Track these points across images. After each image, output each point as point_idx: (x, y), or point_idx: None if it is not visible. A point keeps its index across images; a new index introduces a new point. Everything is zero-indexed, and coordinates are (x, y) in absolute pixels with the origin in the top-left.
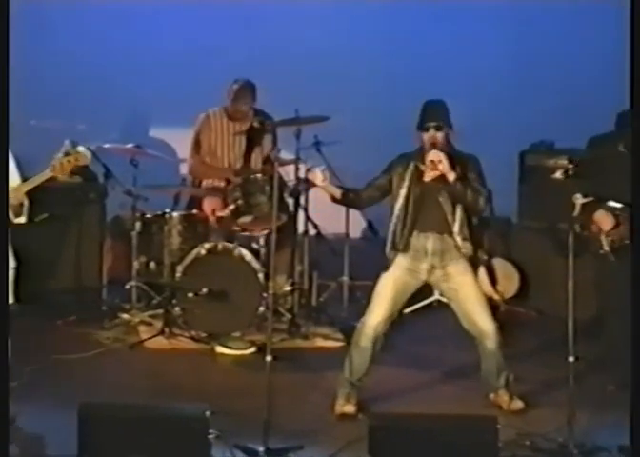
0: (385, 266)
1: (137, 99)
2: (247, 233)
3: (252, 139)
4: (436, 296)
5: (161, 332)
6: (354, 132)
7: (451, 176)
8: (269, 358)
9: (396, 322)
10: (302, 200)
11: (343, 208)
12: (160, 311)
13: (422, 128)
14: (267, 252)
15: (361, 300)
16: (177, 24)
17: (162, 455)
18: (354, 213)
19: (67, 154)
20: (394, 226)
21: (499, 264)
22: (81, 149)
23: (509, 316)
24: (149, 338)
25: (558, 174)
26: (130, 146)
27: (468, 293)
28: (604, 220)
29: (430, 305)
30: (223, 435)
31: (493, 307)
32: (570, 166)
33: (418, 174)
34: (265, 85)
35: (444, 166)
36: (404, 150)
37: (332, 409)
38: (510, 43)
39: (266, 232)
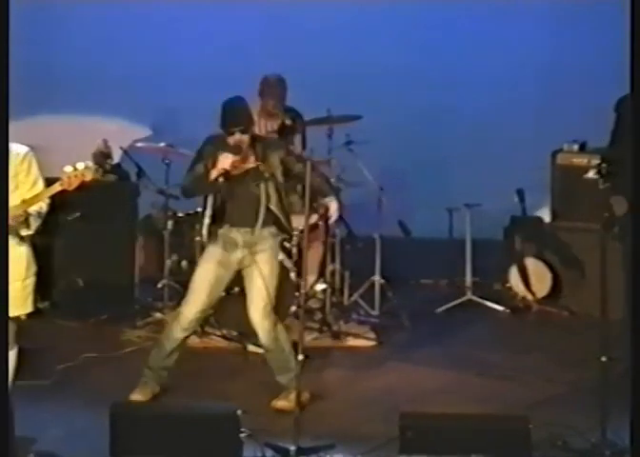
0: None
1: (170, 98)
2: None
3: (284, 137)
4: (468, 296)
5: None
6: (386, 131)
7: (251, 162)
8: (300, 357)
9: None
10: None
11: (375, 208)
12: None
13: (226, 131)
14: (299, 251)
15: (392, 299)
16: (207, 23)
17: (193, 454)
18: (386, 213)
19: (75, 169)
20: (208, 218)
21: (531, 263)
22: (90, 164)
23: (541, 316)
24: None
25: (591, 174)
26: (162, 145)
27: (255, 282)
28: (616, 205)
29: (461, 304)
30: (254, 434)
31: (526, 306)
32: (604, 165)
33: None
34: (296, 84)
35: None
36: (433, 149)
37: (363, 408)
38: (543, 41)
39: (297, 232)
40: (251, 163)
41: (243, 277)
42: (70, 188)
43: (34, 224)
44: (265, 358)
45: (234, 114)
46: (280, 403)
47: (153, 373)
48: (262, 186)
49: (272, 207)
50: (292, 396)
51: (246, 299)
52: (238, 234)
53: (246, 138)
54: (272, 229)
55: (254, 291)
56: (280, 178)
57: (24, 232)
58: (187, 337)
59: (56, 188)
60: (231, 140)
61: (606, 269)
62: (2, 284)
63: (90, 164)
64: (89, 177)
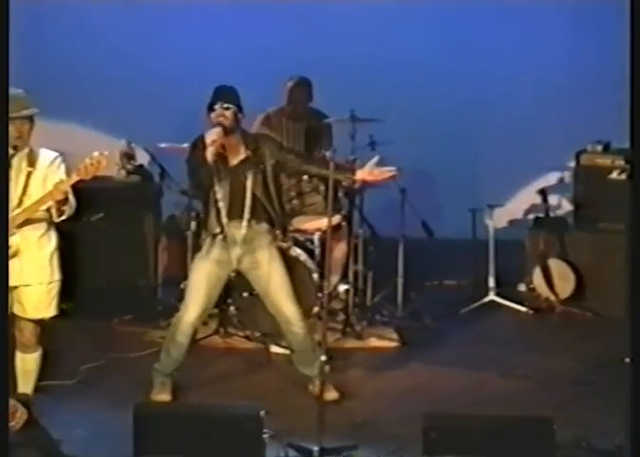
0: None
1: (193, 99)
2: (301, 233)
3: (310, 138)
4: (491, 297)
5: (216, 332)
6: (409, 132)
7: (242, 153)
8: (323, 357)
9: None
10: (357, 200)
11: (398, 209)
12: (215, 311)
13: (210, 108)
14: (321, 252)
15: (415, 300)
16: (231, 24)
17: (216, 455)
18: (409, 213)
19: (91, 158)
20: (212, 213)
21: (555, 264)
22: (105, 152)
23: (564, 317)
24: (204, 337)
25: (615, 175)
26: (185, 145)
27: (275, 281)
28: None
29: (485, 305)
30: (277, 434)
31: (549, 307)
32: (627, 166)
33: (223, 160)
34: (319, 84)
35: (216, 143)
36: (457, 150)
37: (386, 409)
38: (567, 41)
39: (320, 232)
40: (242, 154)
41: (250, 281)
42: (87, 177)
43: (68, 211)
44: (288, 359)
45: (219, 92)
46: (329, 394)
47: (166, 375)
48: (250, 177)
49: (261, 198)
50: (331, 387)
51: (266, 301)
52: (236, 230)
53: (228, 113)
54: (266, 225)
55: (277, 289)
56: (270, 171)
57: (57, 219)
58: (190, 339)
59: (73, 177)
60: (213, 115)
61: (630, 270)
62: (2, 284)
63: (106, 152)
64: (103, 163)
